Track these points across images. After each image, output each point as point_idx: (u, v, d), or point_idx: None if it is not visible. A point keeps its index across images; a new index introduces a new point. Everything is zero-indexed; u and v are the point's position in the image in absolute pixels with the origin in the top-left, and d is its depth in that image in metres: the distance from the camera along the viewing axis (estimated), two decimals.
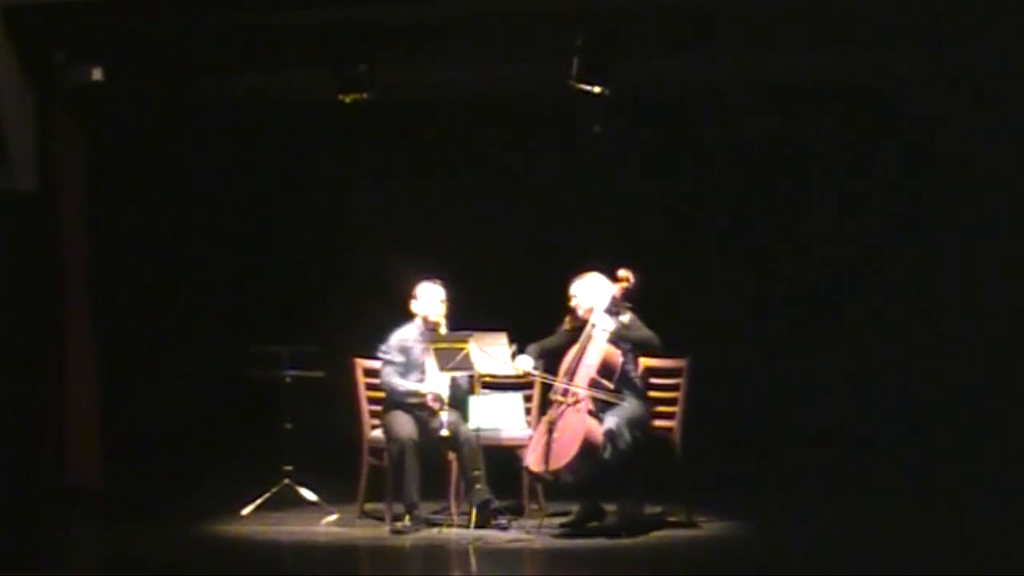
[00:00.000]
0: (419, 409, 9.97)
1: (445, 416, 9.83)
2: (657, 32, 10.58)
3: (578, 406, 9.59)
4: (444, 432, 9.78)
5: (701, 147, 11.77)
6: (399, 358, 10.13)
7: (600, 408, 9.61)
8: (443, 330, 10.01)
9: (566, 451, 9.48)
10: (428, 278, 10.15)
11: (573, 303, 9.88)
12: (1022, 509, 9.93)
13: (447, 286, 10.12)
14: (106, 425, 11.45)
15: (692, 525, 9.87)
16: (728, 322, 11.57)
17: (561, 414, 9.62)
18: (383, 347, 10.16)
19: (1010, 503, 10.06)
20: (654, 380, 9.96)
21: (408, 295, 10.15)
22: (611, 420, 9.56)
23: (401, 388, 10.04)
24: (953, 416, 10.97)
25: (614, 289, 9.81)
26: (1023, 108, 10.76)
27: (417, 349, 10.11)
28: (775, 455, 11.07)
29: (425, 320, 10.11)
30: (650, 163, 11.82)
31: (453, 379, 9.97)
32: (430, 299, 10.10)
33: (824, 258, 11.58)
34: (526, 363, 9.81)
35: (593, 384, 9.62)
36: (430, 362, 9.97)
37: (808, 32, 10.52)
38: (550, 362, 9.99)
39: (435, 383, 9.97)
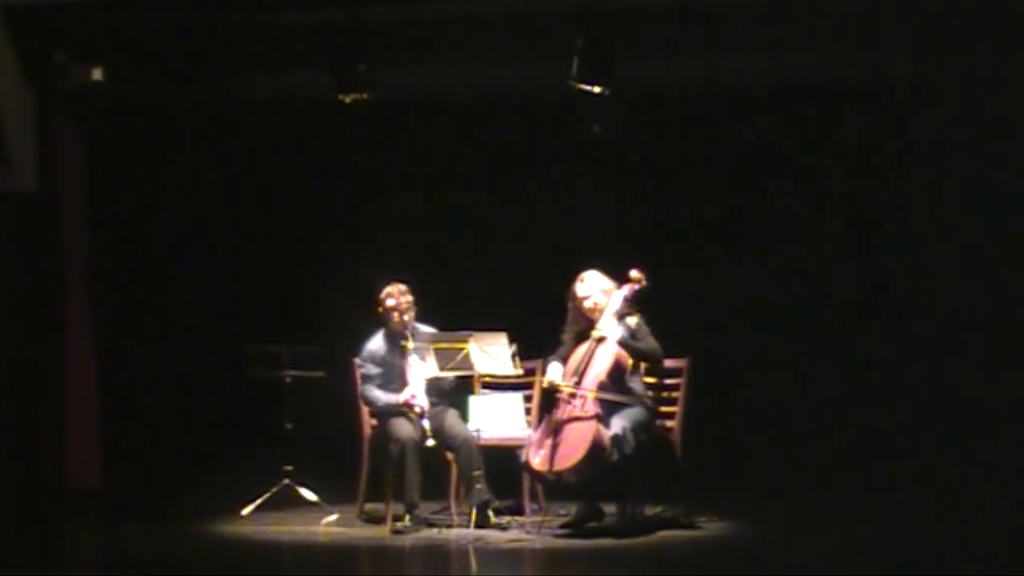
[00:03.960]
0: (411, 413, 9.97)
1: (427, 423, 9.81)
2: (657, 32, 10.57)
3: (587, 408, 9.57)
4: (430, 443, 9.77)
5: (701, 147, 11.76)
6: (375, 369, 10.13)
7: (607, 411, 9.60)
8: (411, 332, 9.98)
9: (573, 453, 9.46)
10: (393, 281, 10.13)
11: (587, 304, 9.83)
12: (1022, 509, 9.93)
13: (413, 289, 10.12)
14: (106, 425, 11.45)
15: (692, 525, 9.88)
16: (728, 322, 11.56)
17: (569, 415, 9.60)
18: (358, 360, 10.16)
19: (1011, 503, 10.06)
20: (654, 380, 9.96)
21: (376, 302, 10.13)
22: (618, 425, 9.52)
23: (381, 402, 10.06)
24: (954, 415, 10.96)
25: (624, 290, 9.81)
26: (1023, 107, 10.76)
27: (391, 357, 10.11)
28: (775, 455, 11.06)
29: (394, 324, 10.09)
30: (650, 163, 11.82)
31: (429, 382, 9.94)
32: (398, 303, 10.07)
33: (824, 257, 11.57)
34: (556, 372, 9.79)
35: (602, 387, 9.60)
36: (407, 367, 9.99)
37: (808, 32, 10.51)
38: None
39: (412, 389, 9.96)
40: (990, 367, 10.94)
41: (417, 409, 9.91)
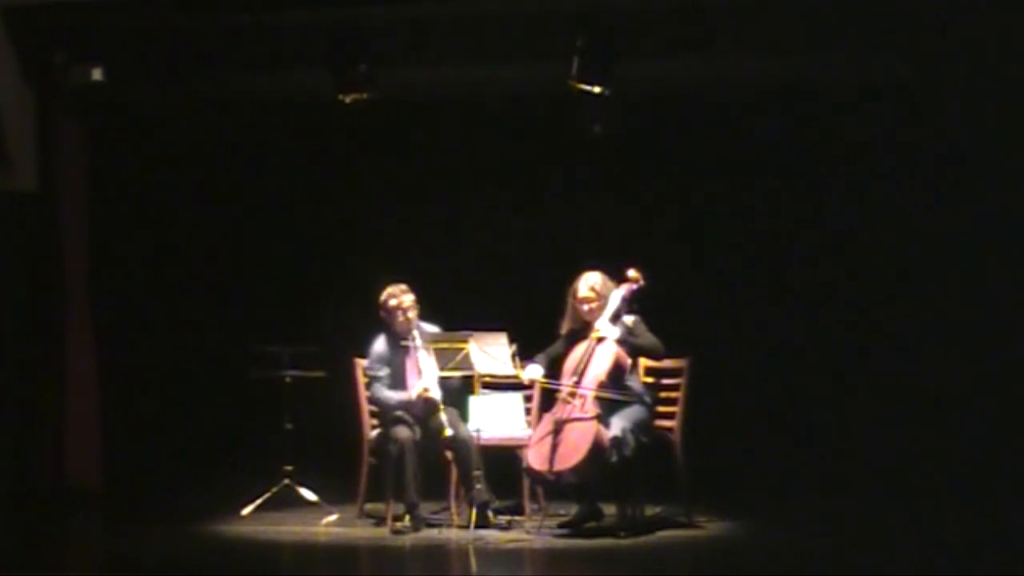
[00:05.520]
0: (417, 412, 9.94)
1: (444, 416, 9.81)
2: (657, 32, 10.58)
3: (586, 409, 9.57)
4: (449, 431, 9.75)
5: (701, 147, 11.76)
6: (384, 371, 10.11)
7: (607, 411, 9.59)
8: (416, 330, 9.97)
9: (573, 454, 9.45)
10: (392, 282, 10.11)
11: (584, 307, 9.83)
12: (1021, 509, 9.93)
13: (414, 289, 10.10)
14: (106, 425, 11.45)
15: (692, 525, 9.88)
16: (728, 322, 11.56)
17: (568, 416, 9.59)
18: (366, 363, 10.14)
19: (1009, 503, 10.06)
20: (653, 380, 9.95)
21: (378, 305, 10.11)
22: (617, 426, 9.52)
23: (393, 401, 10.03)
24: (953, 416, 10.96)
25: (622, 290, 9.81)
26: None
27: (395, 357, 10.09)
28: (775, 455, 11.06)
29: (399, 325, 10.07)
30: (650, 163, 11.82)
31: (441, 380, 9.94)
32: (400, 303, 10.06)
33: (824, 258, 11.57)
34: (535, 372, 9.80)
35: (601, 387, 9.60)
36: (412, 367, 9.98)
37: (809, 32, 10.52)
38: (555, 366, 9.98)
39: (425, 382, 9.94)
40: (992, 368, 10.94)
41: (431, 403, 9.87)
